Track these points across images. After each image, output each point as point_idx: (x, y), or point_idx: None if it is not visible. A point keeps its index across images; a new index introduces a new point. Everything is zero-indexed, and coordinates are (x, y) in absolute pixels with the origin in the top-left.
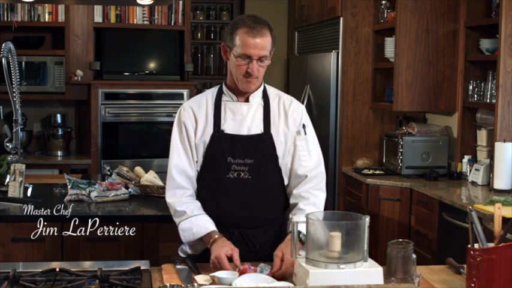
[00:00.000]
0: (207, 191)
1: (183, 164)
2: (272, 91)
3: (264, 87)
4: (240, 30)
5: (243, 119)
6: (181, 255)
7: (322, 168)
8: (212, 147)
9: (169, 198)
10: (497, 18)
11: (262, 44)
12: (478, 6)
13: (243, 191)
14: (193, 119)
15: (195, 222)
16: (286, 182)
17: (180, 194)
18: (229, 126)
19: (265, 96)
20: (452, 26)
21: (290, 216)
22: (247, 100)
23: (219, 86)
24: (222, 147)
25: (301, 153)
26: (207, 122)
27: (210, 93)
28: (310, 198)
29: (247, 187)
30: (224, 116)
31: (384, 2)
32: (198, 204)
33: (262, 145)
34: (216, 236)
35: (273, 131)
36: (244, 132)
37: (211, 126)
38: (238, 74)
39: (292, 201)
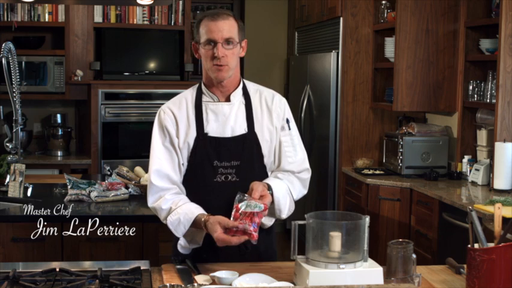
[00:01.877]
0: (195, 195)
1: (165, 169)
2: (252, 86)
3: (243, 83)
4: (203, 20)
5: (225, 119)
6: (184, 252)
7: (307, 164)
8: (197, 151)
9: (153, 203)
10: (497, 18)
11: (226, 26)
12: (478, 6)
13: (232, 194)
14: (174, 122)
15: (180, 211)
16: None
17: (164, 194)
18: (212, 129)
19: (246, 93)
20: (452, 26)
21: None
22: (228, 100)
23: (197, 86)
24: (207, 151)
25: (287, 149)
26: (189, 125)
27: (189, 94)
28: (289, 176)
29: (236, 189)
30: (206, 118)
31: (383, 2)
32: (183, 197)
33: (247, 146)
34: (204, 218)
35: (257, 129)
36: (228, 134)
37: (194, 129)
38: (208, 63)
39: (270, 176)
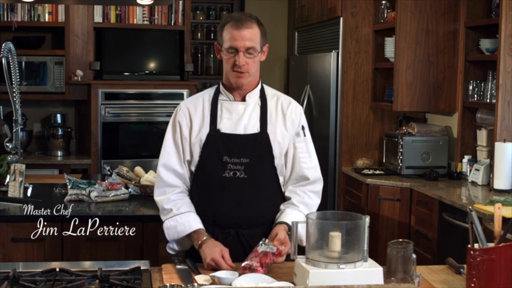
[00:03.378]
0: (203, 190)
1: (172, 163)
2: (270, 91)
3: (262, 86)
4: (227, 25)
5: (239, 118)
6: (170, 252)
7: (319, 172)
8: (208, 146)
9: (158, 196)
10: (497, 18)
11: (248, 35)
12: (478, 6)
13: (239, 190)
14: (188, 119)
15: (179, 220)
16: (281, 181)
17: (169, 192)
18: (225, 126)
19: (263, 96)
20: (452, 26)
21: (281, 207)
22: (243, 99)
23: (216, 85)
24: (217, 147)
25: (302, 155)
26: (204, 122)
27: (207, 93)
28: (304, 198)
29: (243, 186)
30: (220, 115)
31: (383, 2)
32: (186, 201)
33: (258, 144)
34: (205, 238)
35: (269, 130)
36: (240, 131)
37: (208, 125)
38: (229, 69)
39: (286, 194)
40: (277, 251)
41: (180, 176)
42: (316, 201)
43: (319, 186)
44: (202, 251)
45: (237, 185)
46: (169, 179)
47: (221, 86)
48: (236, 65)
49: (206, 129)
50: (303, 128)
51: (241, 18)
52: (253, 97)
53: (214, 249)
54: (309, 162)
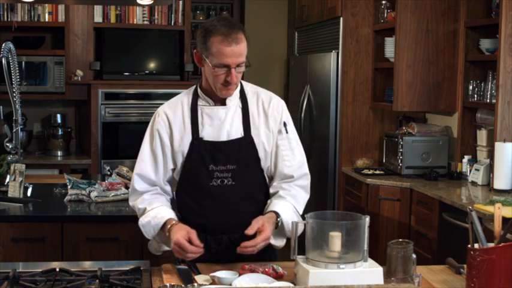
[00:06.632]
0: (192, 200)
1: (146, 172)
2: (250, 89)
3: (241, 86)
4: (215, 39)
5: (221, 123)
6: (155, 253)
7: (306, 168)
8: (192, 156)
9: (131, 202)
10: (497, 18)
11: (239, 51)
12: (478, 6)
13: (228, 198)
14: (167, 126)
15: (152, 214)
16: (267, 181)
17: (143, 194)
18: (207, 133)
19: (243, 96)
20: (452, 26)
21: (268, 201)
22: (224, 103)
23: (193, 89)
24: (202, 156)
25: (284, 153)
26: (185, 129)
27: (186, 97)
28: (291, 191)
29: (232, 193)
30: (202, 122)
31: (383, 2)
32: (161, 198)
33: (243, 149)
34: (173, 222)
35: (253, 133)
36: (223, 138)
37: (189, 133)
38: (217, 83)
39: (271, 191)
40: (280, 273)
41: (153, 183)
42: (303, 195)
43: (305, 181)
44: (170, 238)
45: (226, 193)
46: (143, 187)
47: (199, 91)
48: (228, 81)
49: (188, 138)
50: (285, 124)
51: (230, 33)
52: (234, 99)
53: (178, 233)
54: (292, 160)
